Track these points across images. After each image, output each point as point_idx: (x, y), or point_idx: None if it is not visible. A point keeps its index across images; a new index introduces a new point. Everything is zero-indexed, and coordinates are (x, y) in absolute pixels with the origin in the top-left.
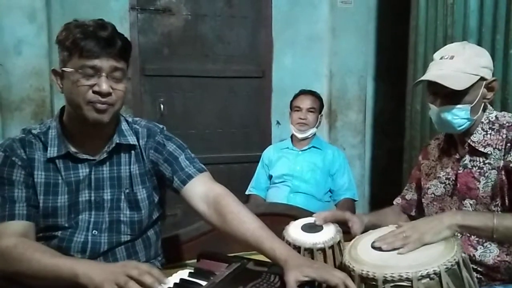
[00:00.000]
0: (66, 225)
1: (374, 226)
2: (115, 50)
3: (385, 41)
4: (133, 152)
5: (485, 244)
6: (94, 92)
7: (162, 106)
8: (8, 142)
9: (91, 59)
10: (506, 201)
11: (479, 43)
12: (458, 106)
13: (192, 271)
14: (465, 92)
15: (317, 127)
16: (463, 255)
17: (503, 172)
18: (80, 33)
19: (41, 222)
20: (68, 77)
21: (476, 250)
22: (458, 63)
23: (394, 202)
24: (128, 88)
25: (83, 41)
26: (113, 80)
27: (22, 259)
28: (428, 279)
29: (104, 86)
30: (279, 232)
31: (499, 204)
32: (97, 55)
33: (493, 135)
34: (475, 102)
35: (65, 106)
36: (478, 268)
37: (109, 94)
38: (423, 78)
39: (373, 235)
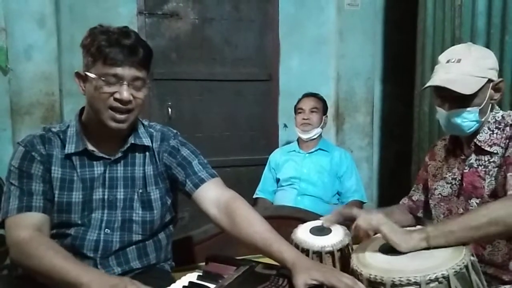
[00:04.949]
0: (79, 222)
1: None
2: (137, 59)
3: (393, 43)
4: (147, 153)
5: (493, 243)
6: (115, 99)
7: (170, 109)
8: (29, 138)
9: (114, 67)
10: None
11: (488, 45)
12: (468, 109)
13: (201, 274)
14: (474, 95)
15: (322, 128)
16: (472, 258)
17: (503, 168)
18: (104, 40)
19: (55, 217)
20: (91, 82)
21: (485, 249)
22: (466, 67)
23: (401, 202)
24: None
25: (107, 48)
26: (134, 88)
27: (34, 255)
28: (436, 282)
29: (125, 94)
30: (286, 235)
31: None
32: (120, 64)
33: (498, 134)
34: (483, 104)
35: (85, 106)
36: (487, 271)
37: (129, 102)
38: (432, 83)
39: (381, 238)
